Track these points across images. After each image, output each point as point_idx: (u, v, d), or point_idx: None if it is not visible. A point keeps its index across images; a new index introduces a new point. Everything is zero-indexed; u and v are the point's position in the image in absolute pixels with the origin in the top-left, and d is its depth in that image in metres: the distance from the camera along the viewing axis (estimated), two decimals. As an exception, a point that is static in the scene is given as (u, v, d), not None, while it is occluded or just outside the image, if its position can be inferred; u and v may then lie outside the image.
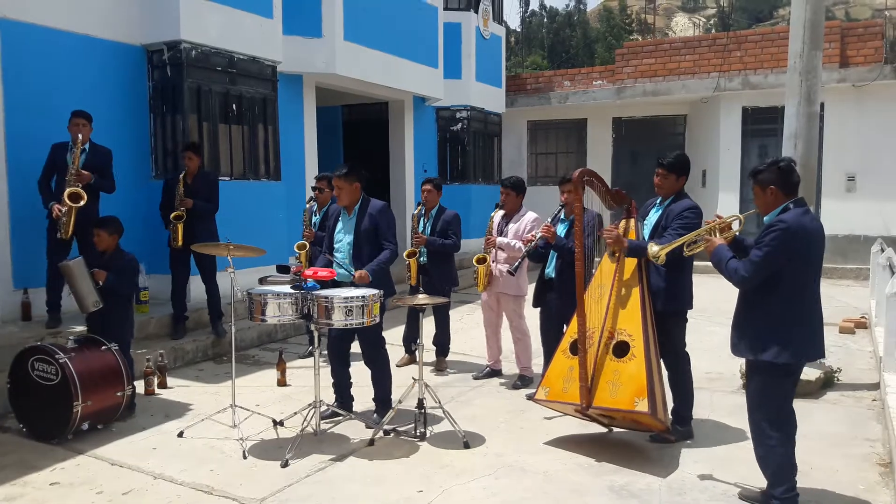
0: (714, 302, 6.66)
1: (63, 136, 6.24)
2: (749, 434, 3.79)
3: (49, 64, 6.81)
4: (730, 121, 13.57)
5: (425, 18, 12.13)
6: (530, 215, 6.03)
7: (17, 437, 4.80)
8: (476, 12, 13.61)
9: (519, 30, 46.10)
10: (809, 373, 5.69)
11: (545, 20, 50.24)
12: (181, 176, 6.74)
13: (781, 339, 3.51)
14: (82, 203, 5.88)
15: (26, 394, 4.80)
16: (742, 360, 3.93)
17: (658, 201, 4.81)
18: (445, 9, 12.84)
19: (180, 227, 6.60)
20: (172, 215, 6.59)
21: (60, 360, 4.64)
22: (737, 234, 3.88)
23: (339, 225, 5.18)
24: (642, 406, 4.20)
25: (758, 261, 3.50)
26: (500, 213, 6.12)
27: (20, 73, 6.56)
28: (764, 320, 3.57)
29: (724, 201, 13.10)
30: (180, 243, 6.58)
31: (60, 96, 6.72)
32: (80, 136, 6.05)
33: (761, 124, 13.35)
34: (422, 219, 6.47)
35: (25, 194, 6.48)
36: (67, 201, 5.84)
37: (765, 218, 3.67)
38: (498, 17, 14.79)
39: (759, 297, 3.60)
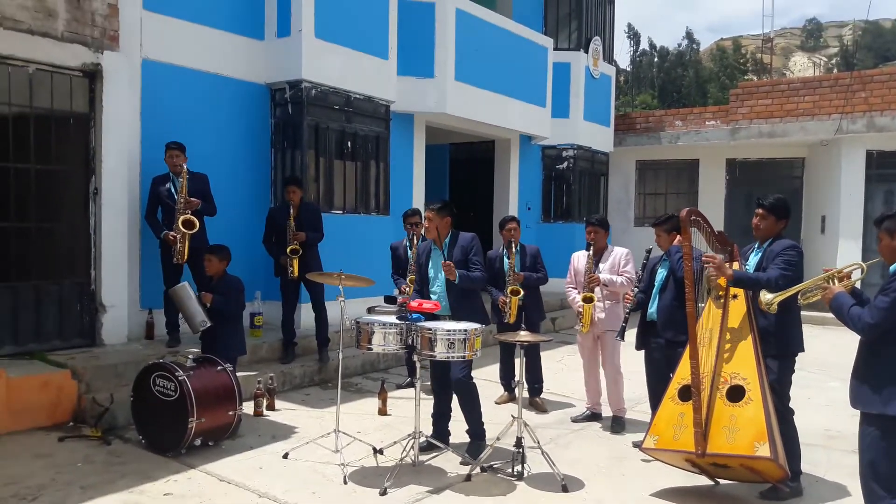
0: (833, 355, 6.30)
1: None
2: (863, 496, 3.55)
3: (183, 101, 7.36)
4: (852, 164, 12.88)
5: (535, 58, 12.26)
6: (621, 250, 6.01)
7: (136, 447, 5.11)
8: (586, 52, 13.64)
9: (629, 69, 45.71)
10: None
11: (656, 59, 49.62)
12: (290, 210, 7.02)
13: None
14: (196, 229, 6.31)
15: (147, 407, 5.11)
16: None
17: (756, 245, 4.69)
18: (555, 49, 12.94)
19: (296, 261, 6.89)
20: (289, 249, 6.89)
21: (180, 378, 4.93)
22: (856, 284, 3.70)
23: (431, 261, 5.28)
24: (763, 451, 3.99)
25: (884, 306, 3.34)
26: (583, 254, 6.05)
27: (157, 109, 7.13)
28: (888, 370, 3.37)
29: (844, 249, 12.38)
30: (297, 275, 6.88)
31: (192, 131, 7.23)
32: (180, 163, 6.48)
33: (888, 169, 12.61)
34: (506, 258, 6.46)
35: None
36: (182, 228, 6.27)
37: (891, 268, 3.49)
38: (608, 56, 14.75)
39: (883, 347, 3.41)
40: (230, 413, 5.17)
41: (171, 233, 6.40)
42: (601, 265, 5.95)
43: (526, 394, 6.62)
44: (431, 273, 5.28)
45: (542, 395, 6.68)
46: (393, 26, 9.08)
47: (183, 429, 4.86)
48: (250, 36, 8.04)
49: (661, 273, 5.33)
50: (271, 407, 6.16)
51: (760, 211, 4.59)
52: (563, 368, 8.12)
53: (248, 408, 5.82)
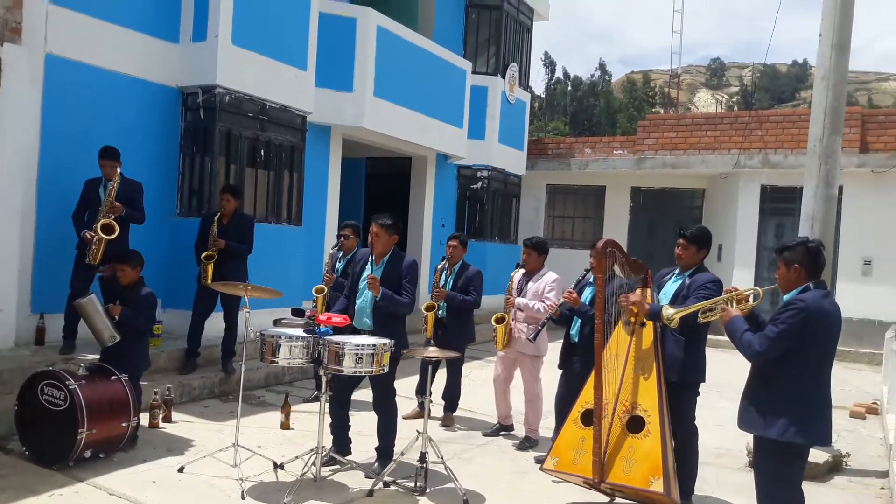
0: (725, 376, 6.61)
1: (96, 170, 6.43)
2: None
3: (88, 100, 7.06)
4: (748, 198, 13.66)
5: (453, 80, 12.46)
6: (550, 275, 6.02)
7: (18, 459, 4.80)
8: (503, 77, 13.96)
9: (544, 96, 46.95)
10: (818, 455, 5.61)
11: (569, 88, 51.19)
12: (216, 217, 6.87)
13: (789, 418, 3.47)
14: (114, 235, 6.06)
15: (33, 417, 4.82)
16: (750, 438, 3.90)
17: (675, 272, 4.83)
18: (474, 72, 13.19)
19: (210, 267, 6.70)
20: (203, 255, 6.71)
21: (70, 386, 4.68)
22: (753, 307, 3.89)
23: (366, 272, 5.19)
24: (657, 486, 4.14)
25: (773, 336, 3.49)
26: (521, 272, 6.13)
27: (60, 106, 6.81)
28: (773, 396, 3.54)
29: (738, 277, 13.07)
30: (209, 281, 6.68)
31: (96, 131, 6.94)
32: (114, 171, 6.27)
33: (779, 203, 13.43)
34: (444, 273, 6.53)
35: (52, 223, 6.67)
36: (100, 232, 6.01)
37: (784, 296, 3.66)
38: (524, 83, 15.15)
39: (770, 373, 3.58)
40: (123, 424, 4.95)
41: (89, 232, 6.13)
42: (529, 285, 5.98)
43: (441, 411, 6.64)
44: (362, 284, 5.18)
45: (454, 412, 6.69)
46: (313, 38, 9.03)
47: (72, 440, 4.61)
48: (164, 38, 7.80)
49: (587, 294, 5.44)
50: (168, 419, 5.92)
51: (682, 241, 4.70)
52: (470, 383, 8.16)
53: (143, 419, 5.58)
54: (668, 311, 4.13)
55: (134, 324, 5.33)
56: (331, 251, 7.07)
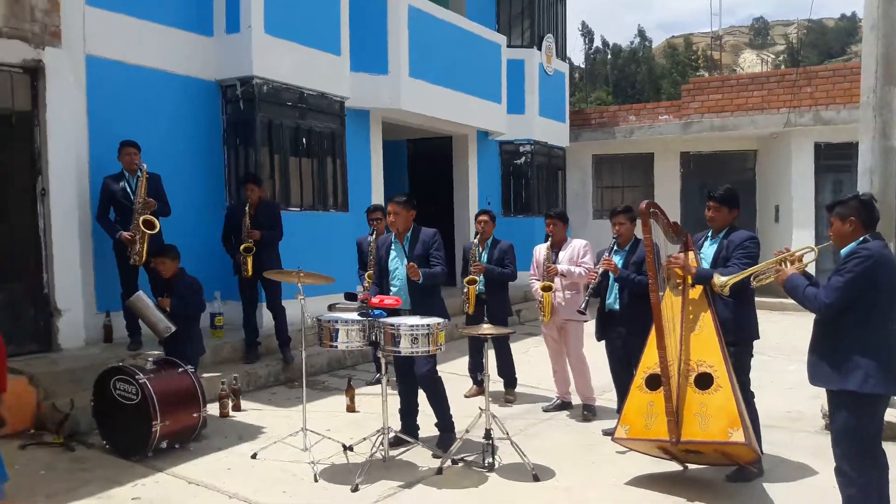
0: (789, 339, 6.45)
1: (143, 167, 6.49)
2: (835, 475, 3.62)
3: (130, 98, 7.16)
4: (802, 156, 13.23)
5: (489, 56, 12.30)
6: (579, 241, 6.07)
7: (100, 453, 4.96)
8: (539, 49, 13.75)
9: (583, 66, 46.22)
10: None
11: (609, 56, 50.28)
12: (246, 208, 6.92)
13: (865, 367, 3.36)
14: (157, 230, 6.16)
15: (109, 412, 4.97)
16: (825, 400, 3.78)
17: (710, 234, 4.77)
18: (509, 46, 13.01)
19: (250, 259, 6.77)
20: (242, 247, 6.77)
21: (140, 381, 4.81)
22: (809, 266, 3.78)
23: (392, 254, 5.24)
24: (738, 436, 4.06)
25: (840, 286, 3.40)
26: (544, 246, 6.12)
27: (104, 106, 6.92)
28: (845, 347, 3.44)
29: (797, 237, 12.70)
30: (251, 273, 6.76)
31: (141, 129, 7.04)
32: (142, 164, 6.34)
33: (835, 160, 12.97)
34: (477, 248, 6.51)
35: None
36: (143, 228, 6.12)
37: (841, 251, 3.57)
38: (561, 54, 14.89)
39: (838, 325, 3.47)
40: (194, 415, 5.06)
41: (128, 233, 6.23)
42: (560, 255, 6.00)
43: (501, 387, 6.64)
44: (391, 266, 5.24)
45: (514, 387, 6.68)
46: (345, 22, 9.00)
47: (147, 432, 4.74)
48: (199, 32, 7.86)
49: (616, 262, 5.39)
50: (237, 408, 6.04)
51: (712, 203, 4.68)
52: (529, 360, 8.15)
53: (213, 409, 5.70)
54: (719, 280, 4.08)
55: (184, 312, 5.49)
56: (369, 239, 7.03)
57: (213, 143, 8.07)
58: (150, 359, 5.19)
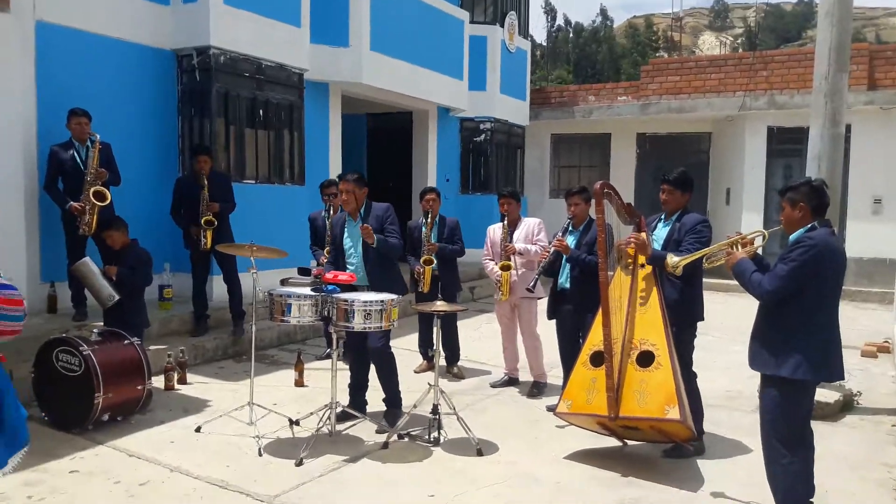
0: (734, 320, 6.62)
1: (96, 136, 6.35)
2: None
3: (82, 66, 6.97)
4: (755, 140, 13.50)
5: (451, 31, 12.23)
6: (533, 220, 6.20)
7: (39, 425, 4.86)
8: (502, 26, 13.70)
9: (545, 44, 46.16)
10: (828, 395, 5.64)
11: (571, 35, 50.30)
12: (204, 180, 6.78)
13: (801, 355, 3.47)
14: (107, 202, 6.04)
15: (50, 383, 4.90)
16: (761, 380, 3.91)
17: (663, 217, 4.86)
18: (471, 22, 12.94)
19: (210, 232, 6.68)
20: (203, 220, 6.67)
21: (84, 352, 4.74)
22: (758, 249, 3.87)
23: (346, 232, 5.24)
24: (673, 413, 4.18)
25: (783, 274, 3.48)
26: (498, 226, 6.19)
27: (54, 74, 6.72)
28: (784, 334, 3.54)
29: (747, 220, 13.00)
30: (210, 246, 6.67)
31: (92, 99, 6.85)
32: (93, 133, 6.17)
33: (787, 144, 13.26)
34: (424, 227, 6.53)
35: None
36: (93, 200, 5.99)
37: (790, 236, 3.65)
38: (524, 31, 14.87)
39: (779, 312, 3.57)
40: (139, 387, 5.02)
41: (78, 203, 6.08)
42: (515, 234, 6.07)
43: (443, 362, 6.71)
44: (347, 244, 5.24)
45: (459, 363, 6.76)
46: (307, -7, 8.85)
47: (89, 404, 4.68)
48: (155, 0, 7.66)
49: (570, 241, 5.47)
50: (183, 381, 6.00)
51: (666, 186, 4.75)
52: (480, 336, 8.24)
53: (158, 382, 5.65)
54: (672, 260, 4.14)
55: (131, 282, 5.42)
56: (322, 214, 6.98)
57: (168, 114, 7.91)
58: (94, 330, 5.11)
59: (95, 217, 6.06)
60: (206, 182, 6.75)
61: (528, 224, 6.14)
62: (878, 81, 12.81)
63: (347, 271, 5.13)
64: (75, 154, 6.25)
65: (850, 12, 6.41)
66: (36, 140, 6.62)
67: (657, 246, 4.72)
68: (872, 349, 7.95)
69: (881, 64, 12.91)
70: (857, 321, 9.59)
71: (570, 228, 5.56)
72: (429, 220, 6.50)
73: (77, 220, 6.11)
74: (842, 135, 6.41)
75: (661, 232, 4.80)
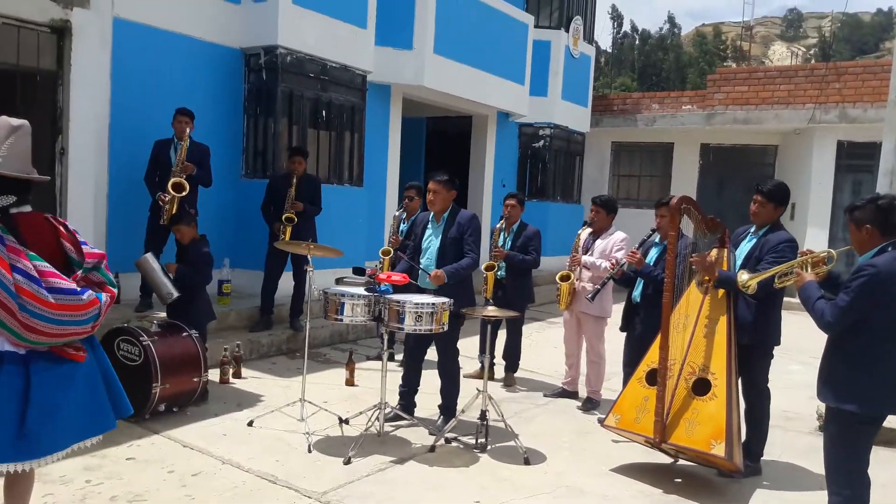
0: (796, 340, 6.41)
1: (163, 133, 6.59)
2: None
3: (155, 62, 7.21)
4: (823, 154, 13.06)
5: (515, 35, 12.19)
6: (619, 234, 5.89)
7: (99, 411, 5.05)
8: (567, 31, 13.60)
9: (610, 50, 45.65)
10: (893, 420, 5.40)
11: (637, 42, 49.61)
12: (293, 179, 6.93)
13: (866, 389, 3.33)
14: (185, 193, 6.24)
15: (111, 372, 5.05)
16: (820, 402, 3.77)
17: (751, 230, 4.63)
18: (536, 26, 12.87)
19: (289, 229, 6.82)
20: (284, 216, 6.82)
21: (144, 343, 4.89)
22: (827, 271, 3.71)
23: (428, 232, 5.22)
24: (718, 450, 4.07)
25: (843, 306, 3.32)
26: (588, 230, 6.03)
27: (128, 70, 6.98)
28: (849, 367, 3.39)
29: (812, 236, 12.59)
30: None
31: (162, 94, 7.11)
32: (186, 130, 6.40)
33: (857, 160, 12.79)
34: (503, 233, 6.49)
35: (124, 184, 6.91)
36: (171, 191, 6.20)
37: (859, 258, 3.48)
38: (589, 37, 14.73)
39: (844, 343, 3.42)
40: (195, 379, 5.14)
41: (163, 194, 6.32)
42: (597, 244, 5.89)
43: (502, 371, 6.65)
44: (424, 244, 5.22)
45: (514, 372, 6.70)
46: (372, -6, 8.96)
47: (147, 394, 4.82)
48: (226, -1, 7.88)
49: (653, 255, 5.34)
50: (237, 375, 6.13)
51: (759, 197, 4.49)
52: (530, 344, 8.17)
53: (213, 375, 5.79)
54: (742, 278, 3.96)
55: (189, 281, 5.54)
56: (395, 213, 7.10)
57: (234, 111, 8.12)
58: (155, 321, 5.28)
59: (174, 208, 6.26)
60: (294, 181, 6.89)
61: (613, 238, 5.86)
62: (959, 96, 12.23)
63: (420, 269, 5.13)
64: (173, 149, 6.51)
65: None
66: (108, 133, 6.88)
67: (738, 261, 4.53)
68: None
69: (964, 78, 12.33)
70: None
71: (656, 241, 5.42)
72: (502, 225, 6.46)
73: (161, 210, 6.35)
74: (918, 150, 6.16)
75: (745, 247, 4.58)
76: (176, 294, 5.43)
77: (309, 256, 5.16)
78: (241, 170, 8.13)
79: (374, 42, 9.11)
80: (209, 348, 5.61)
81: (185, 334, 5.24)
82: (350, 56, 8.75)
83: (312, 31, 8.17)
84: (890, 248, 3.37)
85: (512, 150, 13.58)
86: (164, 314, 5.56)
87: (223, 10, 7.85)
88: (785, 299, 4.46)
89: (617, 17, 57.06)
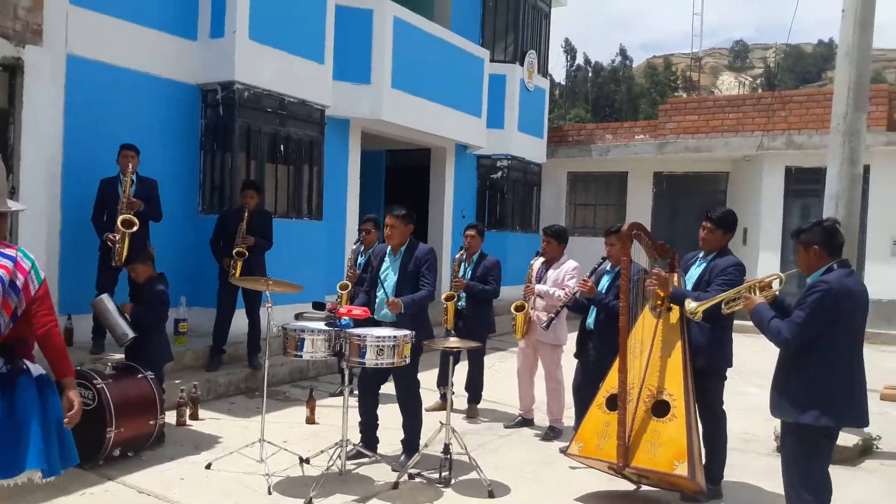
0: (751, 362, 6.53)
1: (117, 171, 6.49)
2: (784, 497, 3.68)
3: (109, 99, 7.13)
4: (772, 180, 13.46)
5: (471, 70, 12.40)
6: (570, 263, 5.99)
7: (51, 458, 4.89)
8: (521, 65, 13.86)
9: (564, 83, 46.55)
10: (847, 439, 5.53)
11: (590, 75, 50.69)
12: (245, 213, 6.88)
13: (822, 402, 3.43)
14: (135, 229, 6.13)
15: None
16: (777, 422, 3.85)
17: (700, 256, 4.76)
18: (492, 60, 13.11)
19: (240, 264, 6.74)
20: (235, 251, 6.76)
21: (98, 385, 4.76)
22: (777, 293, 3.83)
23: (385, 265, 5.23)
24: (681, 470, 4.12)
25: (800, 322, 3.45)
26: (540, 260, 6.12)
27: (82, 107, 6.89)
28: (805, 382, 3.50)
29: (764, 261, 12.91)
30: (238, 277, 6.72)
31: (116, 131, 7.00)
32: (129, 165, 6.31)
33: (804, 184, 13.21)
34: (463, 263, 6.53)
35: (77, 224, 6.76)
36: (121, 228, 6.09)
37: (808, 279, 3.62)
38: (543, 70, 15.03)
39: (800, 358, 3.53)
40: (151, 423, 5.02)
41: (111, 235, 6.19)
42: (549, 273, 5.98)
43: (465, 403, 6.64)
44: (382, 276, 5.21)
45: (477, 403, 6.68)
46: (330, 31, 9.03)
47: (100, 439, 4.69)
48: (182, 35, 7.85)
49: (605, 283, 5.42)
50: (195, 416, 6.00)
51: (708, 224, 4.61)
52: (494, 375, 8.16)
53: (170, 417, 5.65)
54: (690, 306, 4.07)
55: (145, 321, 5.42)
56: (353, 246, 7.09)
57: (190, 147, 8.04)
58: (109, 363, 5.15)
59: (125, 247, 6.14)
60: (246, 215, 6.84)
61: (564, 267, 5.95)
62: (897, 122, 12.76)
63: (377, 302, 5.10)
64: (119, 186, 6.40)
65: (870, 53, 6.43)
66: (60, 172, 6.75)
67: (689, 285, 4.64)
68: (893, 392, 7.82)
69: (901, 105, 12.87)
70: (876, 364, 9.35)
71: (607, 269, 5.51)
72: (465, 255, 6.49)
73: (111, 252, 6.22)
74: (860, 175, 6.39)
75: (695, 271, 4.70)
76: (132, 335, 5.30)
77: (267, 292, 5.11)
78: (199, 206, 8.05)
79: (332, 77, 9.15)
80: (166, 389, 5.50)
81: (140, 376, 5.13)
82: (308, 91, 8.78)
83: (270, 66, 8.19)
84: (836, 267, 3.54)
85: (471, 181, 13.71)
86: (120, 356, 5.44)
87: (179, 47, 7.82)
88: (737, 322, 4.56)
89: (570, 50, 58.25)
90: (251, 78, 7.98)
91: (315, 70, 8.84)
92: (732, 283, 4.32)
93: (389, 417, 5.28)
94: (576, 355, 5.59)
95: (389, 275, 5.16)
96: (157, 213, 6.63)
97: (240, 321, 7.12)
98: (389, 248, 5.23)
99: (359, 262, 6.94)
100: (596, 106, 40.07)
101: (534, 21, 14.41)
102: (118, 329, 5.31)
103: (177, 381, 6.22)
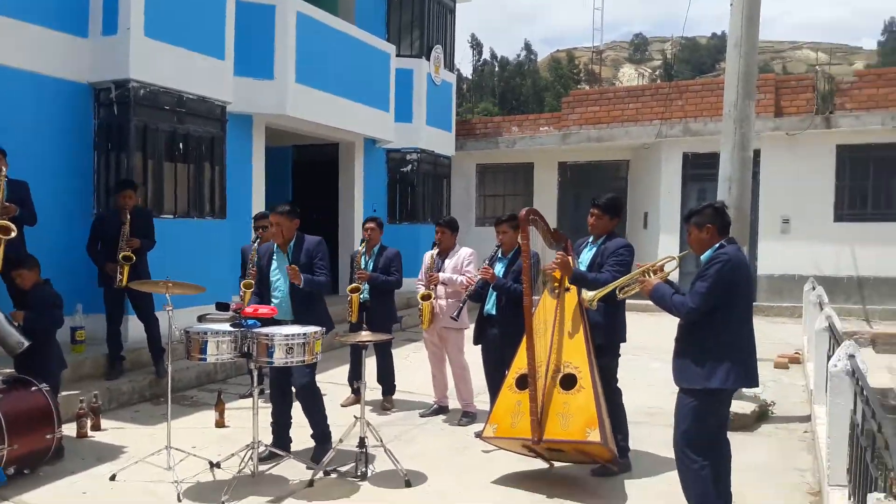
0: (655, 339, 6.79)
1: (10, 173, 6.08)
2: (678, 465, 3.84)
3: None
4: (670, 166, 14.01)
5: (377, 64, 12.34)
6: (466, 250, 6.21)
7: (-64, 482, 4.57)
8: (428, 60, 13.90)
9: (471, 77, 46.94)
10: (745, 406, 5.83)
11: (497, 69, 51.27)
12: (126, 216, 6.60)
13: (729, 365, 3.62)
14: (13, 235, 5.76)
15: (-52, 436, 4.59)
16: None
17: (590, 241, 4.97)
18: (398, 55, 13.09)
19: (127, 269, 6.47)
20: (121, 255, 6.47)
21: (-14, 401, 4.47)
22: (671, 274, 4.01)
23: (274, 264, 5.15)
24: (594, 436, 4.25)
25: (704, 291, 3.63)
26: (435, 251, 6.28)
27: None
28: (708, 348, 3.67)
29: (664, 243, 13.44)
30: (125, 284, 6.45)
31: (4, 133, 6.59)
32: (2, 169, 5.94)
33: (701, 169, 13.79)
34: (364, 256, 6.51)
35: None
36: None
37: (701, 257, 3.81)
38: (450, 64, 15.12)
39: (702, 327, 3.70)
40: (48, 437, 4.75)
41: None
42: (446, 263, 6.11)
43: (379, 395, 6.64)
44: (273, 277, 5.14)
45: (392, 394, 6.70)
46: (230, 27, 8.78)
47: (-9, 457, 4.41)
48: (72, 33, 7.44)
49: (499, 269, 5.54)
50: (96, 427, 5.73)
51: (595, 210, 4.87)
52: (408, 365, 8.18)
53: (70, 430, 5.38)
54: (587, 296, 4.24)
55: (39, 326, 5.16)
56: (254, 246, 6.89)
57: (83, 149, 7.65)
58: (-1, 377, 4.85)
59: (1, 252, 5.77)
60: (128, 217, 6.55)
61: (461, 254, 6.18)
62: (783, 109, 13.52)
63: (272, 304, 5.03)
64: None
65: (757, 44, 6.80)
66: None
67: (582, 267, 4.83)
68: (784, 361, 8.31)
69: (786, 93, 13.65)
70: (768, 335, 9.97)
71: (500, 256, 5.63)
72: (365, 248, 6.48)
73: None
74: (750, 158, 6.74)
75: (587, 255, 4.90)
76: (27, 343, 4.99)
77: (167, 295, 4.93)
78: (94, 207, 7.67)
79: (232, 73, 8.90)
80: (63, 401, 5.23)
81: (34, 388, 4.84)
82: (208, 87, 8.51)
83: (167, 63, 7.88)
84: (726, 244, 3.75)
85: (381, 175, 13.66)
86: (10, 369, 5.12)
87: (69, 45, 7.41)
88: (639, 301, 4.74)
89: (477, 45, 58.70)
90: (147, 75, 7.67)
91: (215, 66, 8.58)
92: (624, 263, 4.60)
93: (303, 416, 5.20)
94: (475, 342, 5.72)
95: (280, 273, 5.09)
96: (31, 216, 6.22)
97: (138, 325, 6.85)
98: (276, 245, 5.15)
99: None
100: (503, 99, 40.62)
101: (439, 16, 14.48)
102: (11, 338, 4.98)
103: (76, 392, 5.92)
